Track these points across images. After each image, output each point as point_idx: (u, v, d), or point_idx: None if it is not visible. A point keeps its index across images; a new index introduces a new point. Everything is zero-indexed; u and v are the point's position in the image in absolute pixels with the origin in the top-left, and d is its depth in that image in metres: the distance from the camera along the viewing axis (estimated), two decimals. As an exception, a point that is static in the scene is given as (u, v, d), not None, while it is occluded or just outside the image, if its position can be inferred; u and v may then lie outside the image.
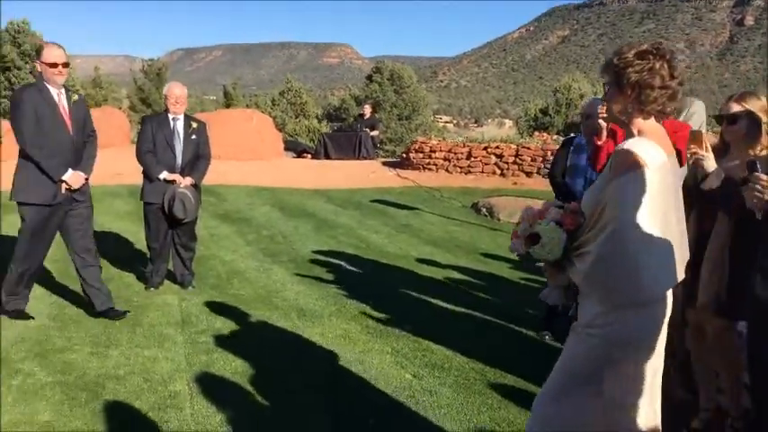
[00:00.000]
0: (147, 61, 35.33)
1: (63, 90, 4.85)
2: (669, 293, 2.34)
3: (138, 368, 4.15)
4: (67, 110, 4.82)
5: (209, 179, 6.24)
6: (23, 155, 4.75)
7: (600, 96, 4.71)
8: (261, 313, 5.29)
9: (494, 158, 13.59)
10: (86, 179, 4.95)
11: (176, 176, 5.72)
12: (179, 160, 5.82)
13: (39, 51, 4.83)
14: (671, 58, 2.27)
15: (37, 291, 5.74)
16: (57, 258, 7.06)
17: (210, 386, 3.91)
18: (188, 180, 5.76)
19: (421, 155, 14.59)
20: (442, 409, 3.68)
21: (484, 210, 10.10)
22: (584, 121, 4.59)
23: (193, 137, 5.88)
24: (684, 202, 3.63)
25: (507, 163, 13.39)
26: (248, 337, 4.82)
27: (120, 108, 29.07)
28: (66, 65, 4.77)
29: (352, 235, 8.55)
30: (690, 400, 3.63)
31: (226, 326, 5.01)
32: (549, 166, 12.77)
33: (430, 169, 14.27)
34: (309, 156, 18.21)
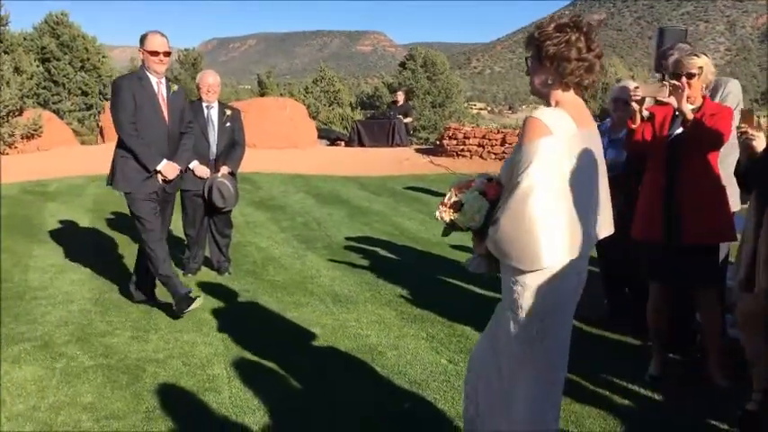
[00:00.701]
0: (183, 51, 35.72)
1: (163, 80, 4.83)
2: (582, 264, 2.39)
3: (178, 352, 4.22)
4: (166, 100, 4.80)
5: (244, 167, 6.28)
6: (121, 144, 4.73)
7: (633, 80, 4.64)
8: (296, 299, 5.34)
9: (528, 144, 13.45)
10: (181, 171, 4.95)
11: (203, 170, 5.72)
12: (213, 148, 5.87)
13: (142, 39, 4.75)
14: (588, 31, 2.29)
15: (78, 276, 5.89)
16: (97, 243, 7.23)
17: (247, 370, 3.96)
18: (224, 169, 5.80)
19: (455, 141, 14.51)
20: (478, 394, 3.67)
21: (518, 196, 10.01)
22: (614, 104, 4.52)
23: (228, 124, 5.91)
24: (739, 183, 3.56)
25: (542, 149, 13.24)
26: (284, 322, 4.86)
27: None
28: (167, 54, 4.75)
29: (386, 221, 8.55)
30: (731, 387, 3.58)
31: (262, 311, 5.06)
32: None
33: (464, 156, 14.19)
34: (343, 143, 18.24)
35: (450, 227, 2.50)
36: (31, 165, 14.26)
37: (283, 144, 15.84)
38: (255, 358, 4.15)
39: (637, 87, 3.74)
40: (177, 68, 34.95)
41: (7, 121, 17.84)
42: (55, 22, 26.49)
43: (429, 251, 7.00)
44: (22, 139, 17.98)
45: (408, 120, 17.84)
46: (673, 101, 3.58)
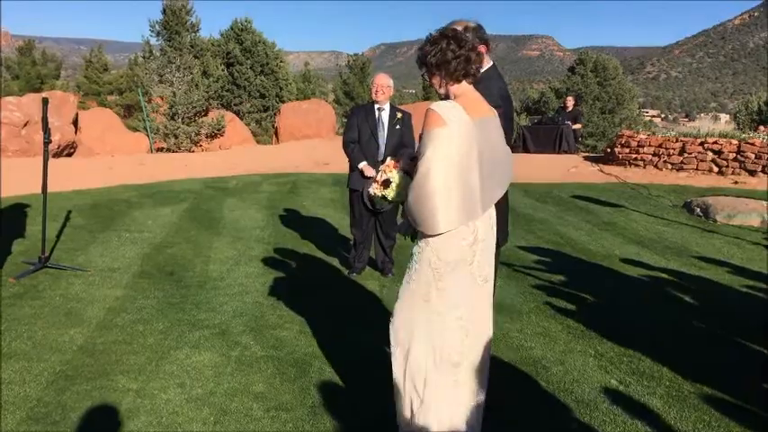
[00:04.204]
0: (353, 56, 37.03)
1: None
2: (482, 226, 2.84)
3: (342, 350, 4.30)
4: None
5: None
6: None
7: None
8: (458, 305, 5.26)
9: (710, 155, 12.47)
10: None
11: (371, 171, 5.79)
12: (382, 149, 5.94)
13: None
14: (454, 35, 2.81)
15: (252, 269, 6.21)
16: (269, 239, 7.60)
17: (409, 373, 3.94)
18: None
19: (627, 150, 13.78)
20: (653, 421, 3.42)
21: (698, 209, 9.30)
22: None
23: (397, 127, 5.97)
24: None
25: (727, 160, 12.22)
26: (446, 327, 4.81)
27: (326, 101, 30.75)
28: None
29: (550, 230, 8.29)
30: None
31: (424, 315, 5.04)
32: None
33: (637, 165, 13.45)
34: (507, 149, 17.96)
35: (384, 200, 3.00)
36: (213, 162, 15.33)
37: (447, 148, 15.88)
38: (417, 362, 4.12)
39: None
40: (346, 73, 36.33)
41: (194, 121, 19.36)
42: (240, 28, 28.39)
43: (597, 263, 6.68)
44: (206, 137, 19.42)
45: (577, 126, 17.23)
46: None
